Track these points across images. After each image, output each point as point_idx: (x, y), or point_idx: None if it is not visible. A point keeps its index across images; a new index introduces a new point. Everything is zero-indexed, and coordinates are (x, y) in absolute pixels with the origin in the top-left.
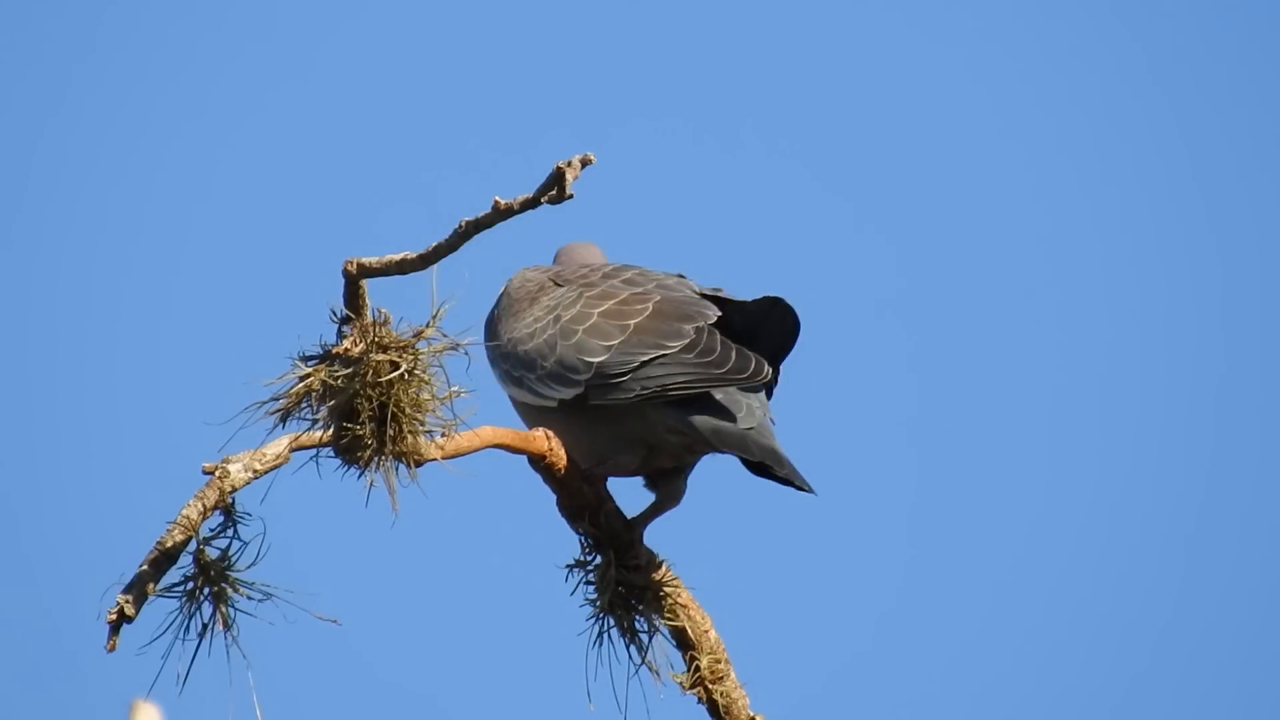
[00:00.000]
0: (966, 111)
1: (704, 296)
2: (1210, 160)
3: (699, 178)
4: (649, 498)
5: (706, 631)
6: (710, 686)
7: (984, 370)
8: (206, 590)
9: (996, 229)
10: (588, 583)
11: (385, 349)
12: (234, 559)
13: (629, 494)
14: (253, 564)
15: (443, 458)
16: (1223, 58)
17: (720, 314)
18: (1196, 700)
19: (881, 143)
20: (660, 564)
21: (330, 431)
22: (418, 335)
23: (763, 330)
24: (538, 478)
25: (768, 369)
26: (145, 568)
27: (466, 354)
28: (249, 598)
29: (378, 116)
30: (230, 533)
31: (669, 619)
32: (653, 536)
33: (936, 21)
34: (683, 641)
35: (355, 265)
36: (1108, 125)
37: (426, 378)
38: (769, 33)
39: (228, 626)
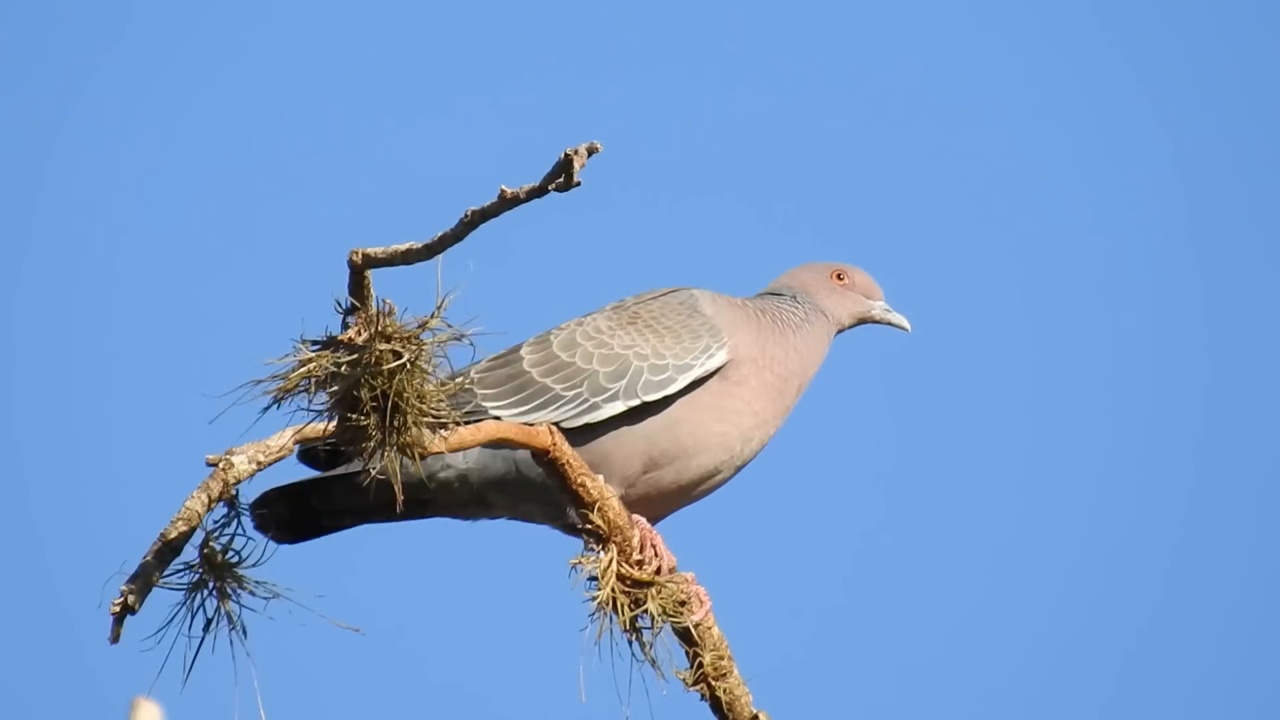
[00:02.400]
0: (964, 114)
1: None
2: (1209, 164)
3: (705, 173)
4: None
5: (709, 628)
6: (713, 683)
7: (986, 371)
8: (211, 584)
9: (994, 232)
10: (590, 578)
11: (389, 339)
12: (239, 552)
13: None
14: (258, 563)
15: (446, 450)
16: (1222, 63)
17: None
18: (1194, 700)
19: (881, 148)
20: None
21: (333, 423)
22: (422, 326)
23: None
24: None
25: None
26: (149, 559)
27: (471, 345)
28: (253, 594)
29: (382, 108)
30: (235, 525)
31: (672, 615)
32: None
33: (936, 24)
34: (685, 638)
35: (360, 255)
36: (1107, 131)
37: (430, 369)
38: (773, 30)
39: (232, 622)
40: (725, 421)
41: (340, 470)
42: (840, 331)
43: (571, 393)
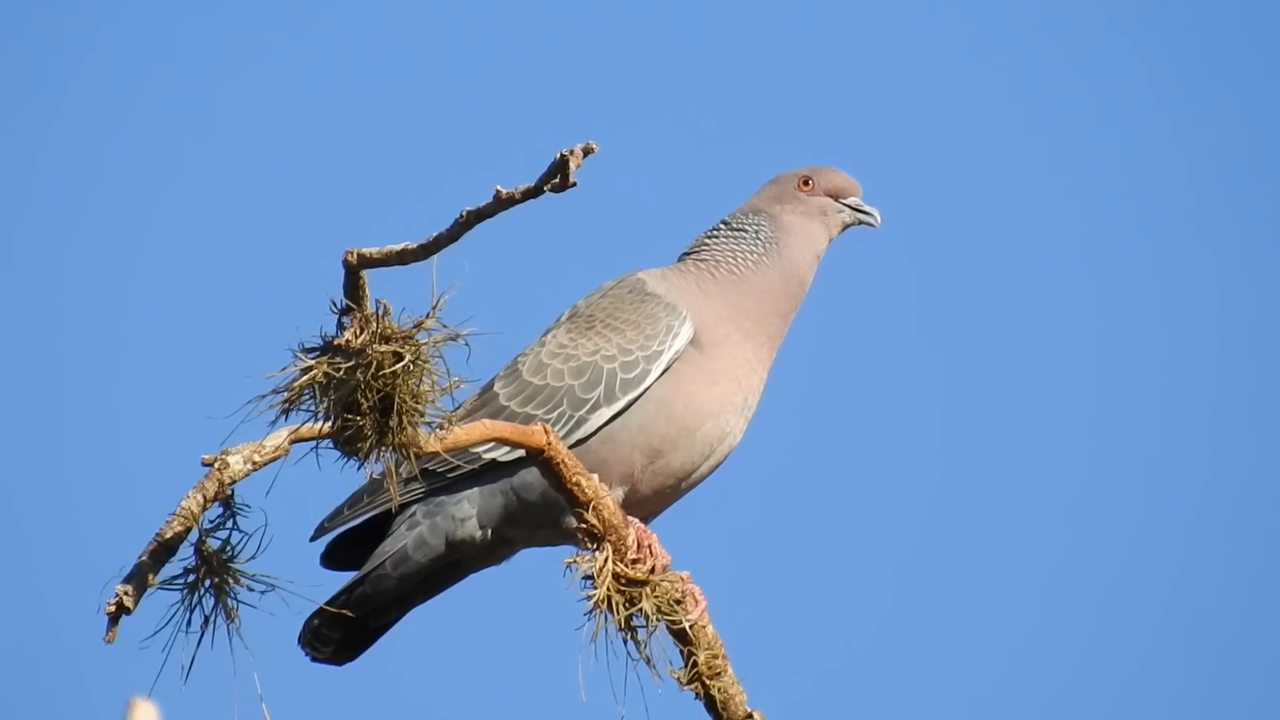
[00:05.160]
0: (968, 114)
1: None
2: (1211, 163)
3: (706, 175)
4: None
5: (704, 627)
6: (707, 682)
7: (983, 374)
8: (208, 582)
9: (1001, 231)
10: (586, 578)
11: (388, 340)
12: (235, 550)
13: None
14: (254, 556)
15: (442, 450)
16: (1222, 61)
17: None
18: (1198, 700)
19: (888, 150)
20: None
21: (331, 423)
22: (418, 326)
23: None
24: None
25: None
26: (144, 559)
27: (467, 344)
28: (250, 589)
29: (378, 108)
30: (230, 524)
31: (667, 614)
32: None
33: (936, 23)
34: (680, 637)
35: (355, 255)
36: (1110, 129)
37: (429, 368)
38: (778, 36)
39: (230, 619)
40: (718, 382)
41: (365, 570)
42: (832, 239)
43: (554, 414)
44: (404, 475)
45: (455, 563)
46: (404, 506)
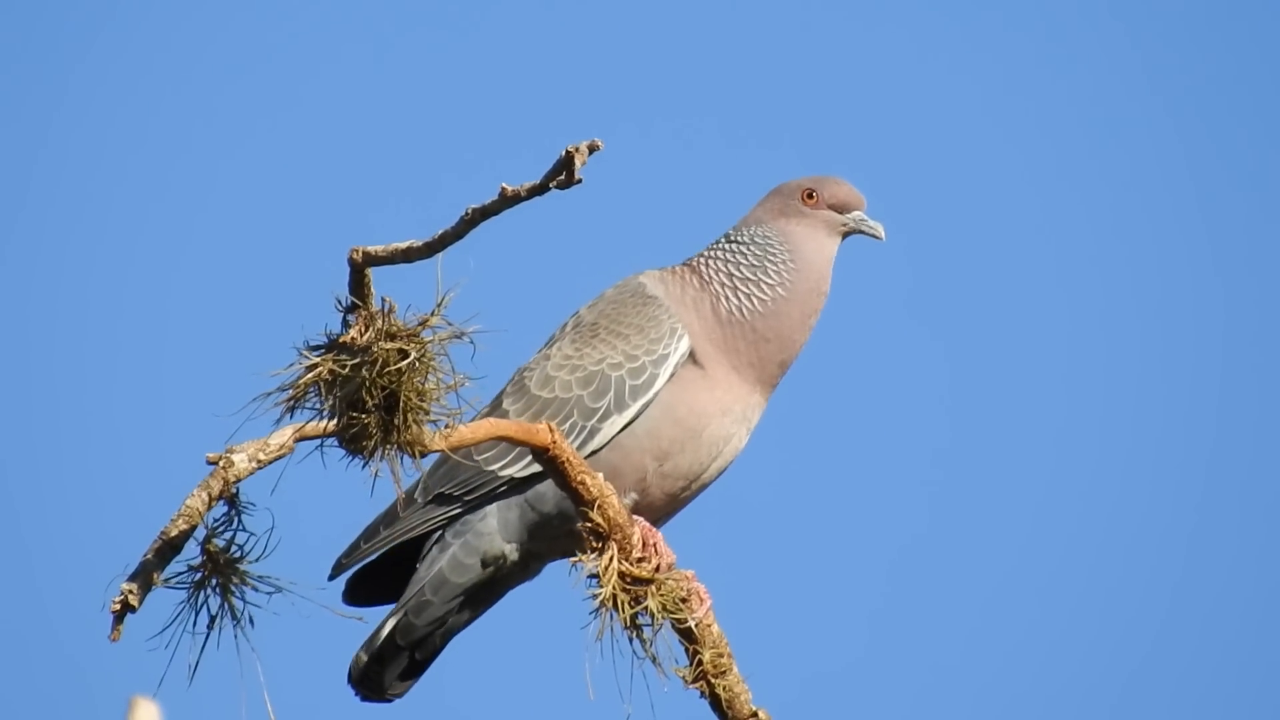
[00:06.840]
0: (979, 112)
1: None
2: (1212, 162)
3: (710, 173)
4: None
5: (709, 625)
6: (713, 680)
7: (982, 375)
8: (214, 581)
9: (1004, 234)
10: (591, 576)
11: (393, 337)
12: (242, 550)
13: None
14: (261, 557)
15: (447, 448)
16: (1222, 61)
17: None
18: (1196, 700)
19: (889, 149)
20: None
21: (336, 421)
22: (423, 323)
23: None
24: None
25: None
26: (149, 557)
27: (472, 342)
28: (255, 589)
29: (383, 105)
30: (235, 523)
31: (672, 613)
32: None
33: (947, 24)
34: (685, 635)
35: (361, 253)
36: (1111, 128)
37: (434, 366)
38: (777, 37)
39: (236, 619)
40: (715, 389)
41: (406, 598)
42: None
43: (566, 425)
44: (418, 490)
45: (490, 581)
46: (430, 531)
